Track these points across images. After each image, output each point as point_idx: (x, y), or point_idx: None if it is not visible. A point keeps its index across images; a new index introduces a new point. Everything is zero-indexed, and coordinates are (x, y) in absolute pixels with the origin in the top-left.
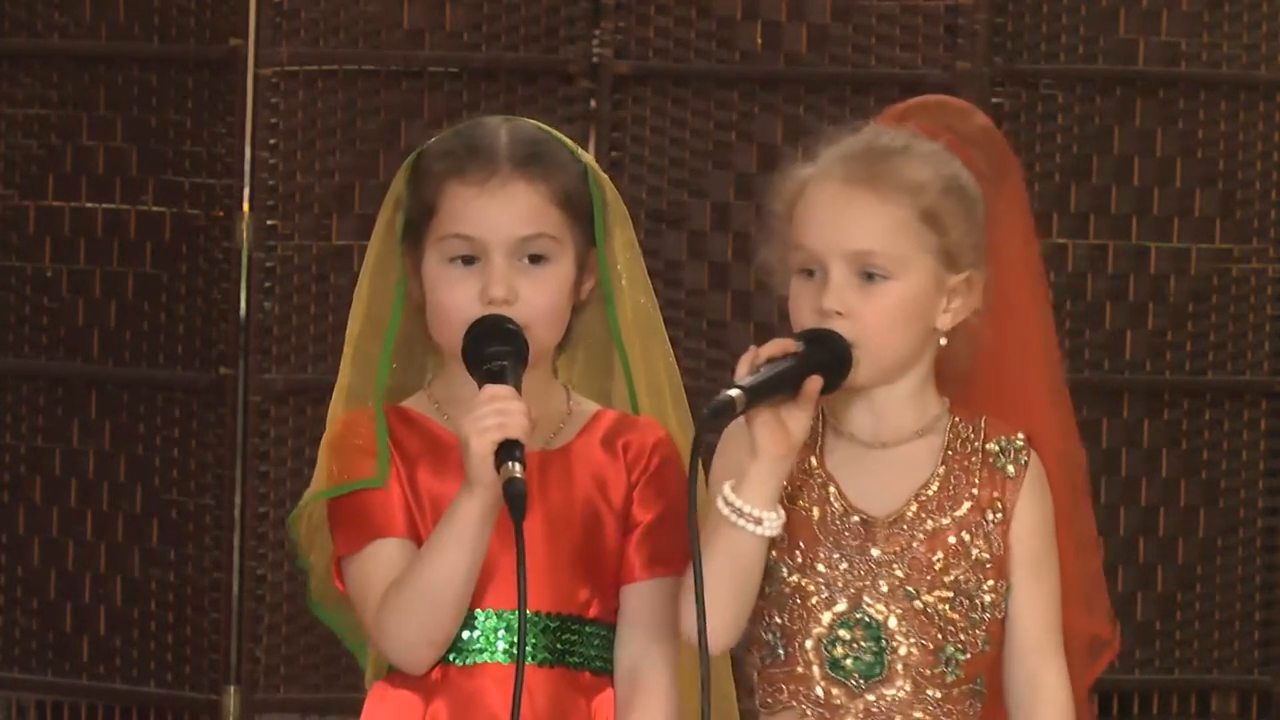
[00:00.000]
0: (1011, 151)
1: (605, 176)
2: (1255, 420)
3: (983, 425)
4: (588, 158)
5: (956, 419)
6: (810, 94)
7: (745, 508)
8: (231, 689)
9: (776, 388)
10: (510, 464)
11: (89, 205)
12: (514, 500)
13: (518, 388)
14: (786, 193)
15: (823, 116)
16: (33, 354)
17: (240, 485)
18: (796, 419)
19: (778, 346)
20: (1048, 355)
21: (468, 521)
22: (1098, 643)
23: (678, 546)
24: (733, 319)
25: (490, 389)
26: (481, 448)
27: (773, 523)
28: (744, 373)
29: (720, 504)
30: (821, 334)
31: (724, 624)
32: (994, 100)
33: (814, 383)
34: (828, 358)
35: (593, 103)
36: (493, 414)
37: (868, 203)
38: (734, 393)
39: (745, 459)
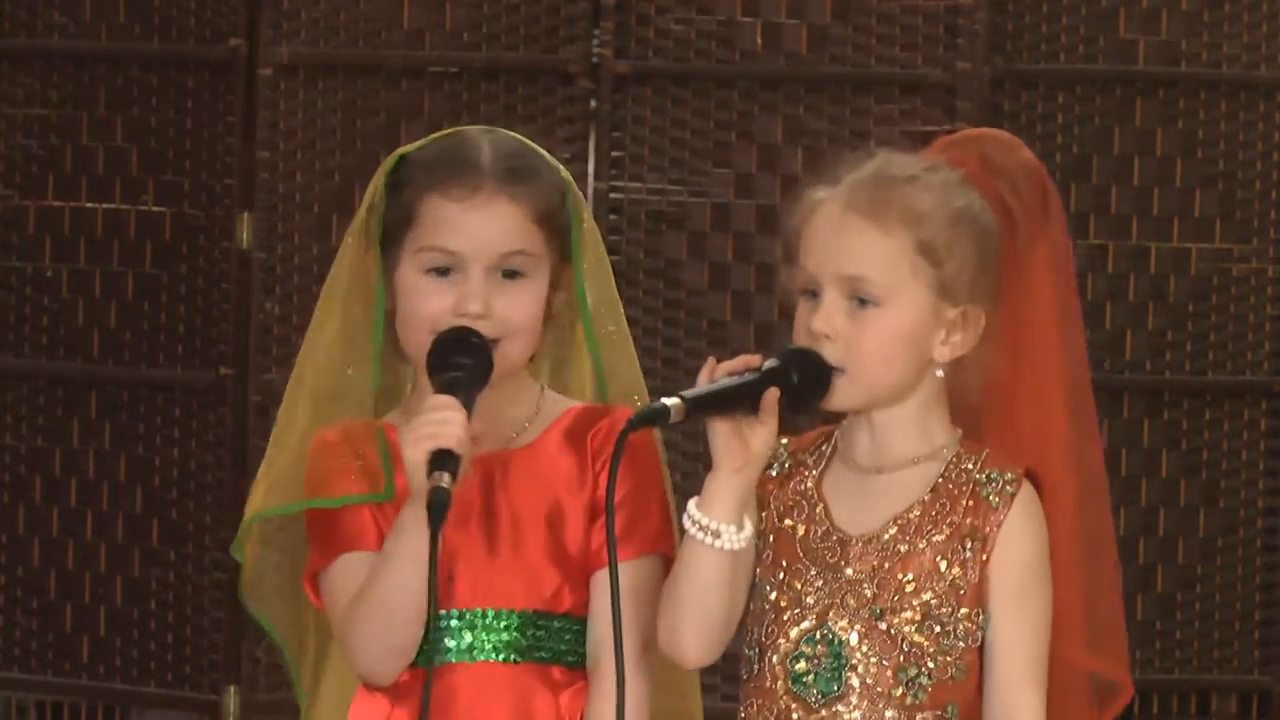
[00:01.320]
0: (1055, 193)
1: (580, 195)
2: (1255, 420)
3: (982, 457)
4: (567, 175)
5: (961, 451)
6: (810, 94)
7: (704, 520)
8: (231, 689)
9: (730, 400)
10: (438, 473)
11: (89, 205)
12: (432, 509)
13: (469, 401)
14: (799, 214)
15: (822, 116)
16: (33, 354)
17: (240, 485)
18: (758, 433)
19: (740, 362)
20: (1074, 396)
21: (409, 531)
22: (1102, 683)
23: (642, 530)
24: (733, 319)
25: (433, 399)
26: (415, 456)
27: (732, 536)
28: (703, 383)
29: (684, 518)
30: (799, 353)
31: (693, 636)
32: (994, 100)
33: (771, 394)
34: (795, 376)
35: (593, 103)
36: (429, 424)
37: (863, 229)
38: (671, 401)
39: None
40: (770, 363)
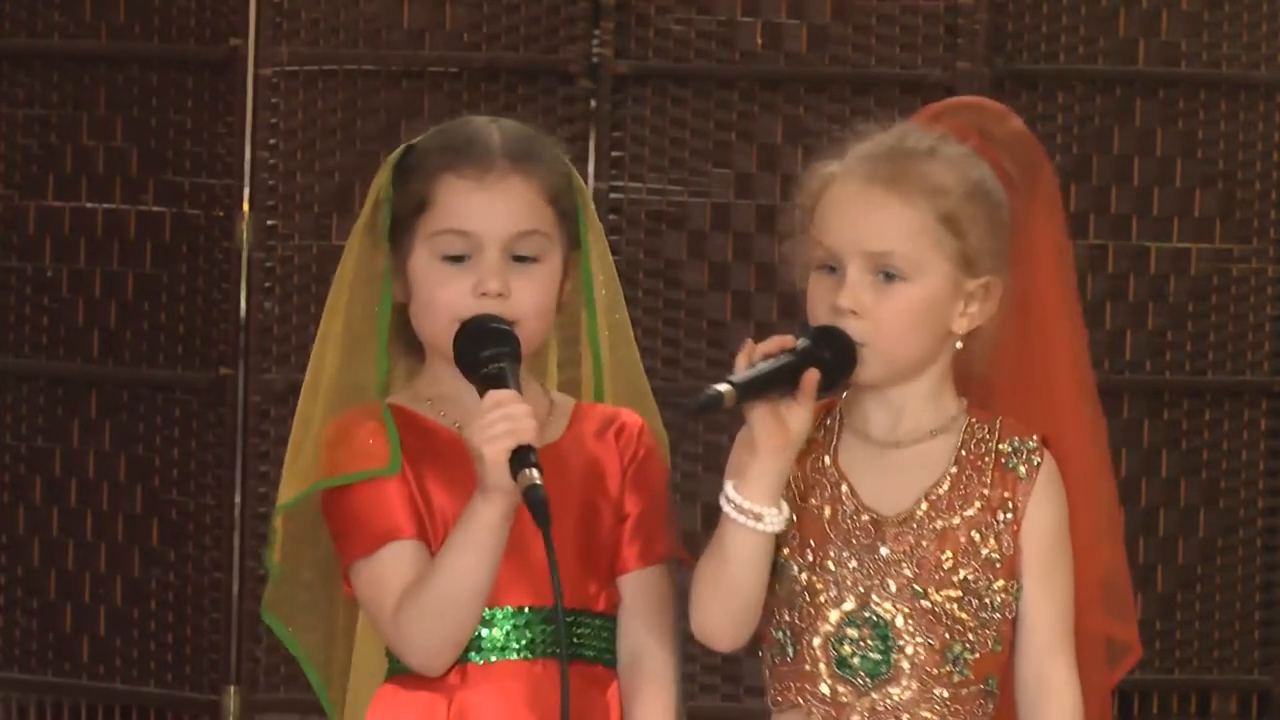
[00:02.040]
0: (1046, 158)
1: (582, 182)
2: (1255, 420)
3: (998, 426)
4: (567, 160)
5: (973, 420)
6: (810, 94)
7: (745, 504)
8: (231, 689)
9: (771, 383)
10: (528, 470)
11: (89, 205)
12: (537, 507)
13: (518, 389)
14: (812, 188)
15: (823, 116)
16: (33, 354)
17: (240, 485)
18: (796, 414)
19: (775, 343)
20: (1076, 360)
21: (485, 527)
22: (1116, 646)
23: (663, 537)
24: (733, 319)
25: (495, 395)
26: (495, 456)
27: (774, 519)
28: (742, 366)
29: (722, 501)
30: (825, 330)
31: (730, 621)
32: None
33: (811, 375)
34: (829, 354)
35: (593, 103)
36: (502, 420)
37: (887, 204)
38: (723, 387)
39: (747, 455)
40: (803, 342)
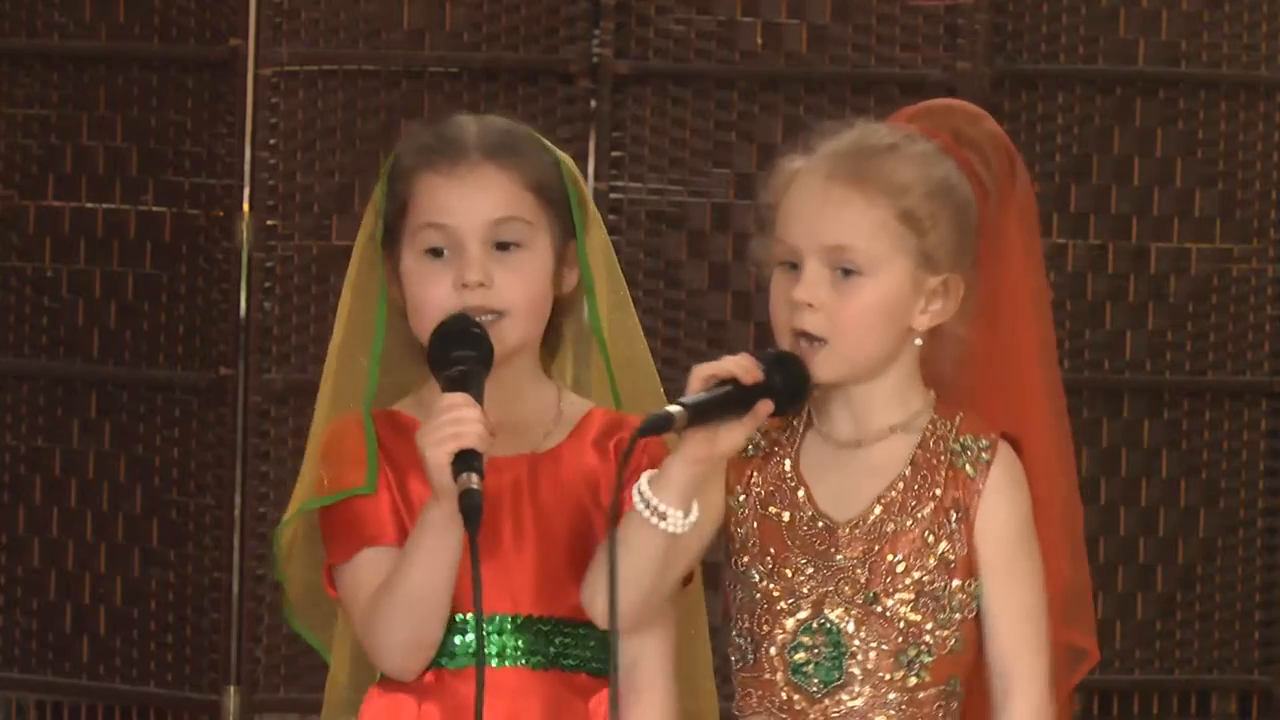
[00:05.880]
0: (1020, 160)
1: (578, 174)
2: (1255, 420)
3: (957, 422)
4: (561, 154)
5: (936, 416)
6: (810, 94)
7: (654, 501)
8: (231, 689)
9: (723, 408)
10: (466, 475)
11: (89, 205)
12: (468, 513)
13: (479, 393)
14: (776, 185)
15: (823, 116)
16: (33, 354)
17: (240, 485)
18: (729, 436)
19: (735, 367)
20: (1045, 361)
21: (433, 529)
22: (1075, 651)
23: None
24: (733, 319)
25: (446, 398)
26: (437, 459)
27: (677, 521)
28: (696, 387)
29: (634, 491)
30: (781, 356)
31: (622, 607)
32: (994, 100)
33: (765, 406)
34: (783, 382)
35: (593, 103)
36: (448, 424)
37: (846, 199)
38: (674, 409)
39: (671, 457)
40: (760, 369)
